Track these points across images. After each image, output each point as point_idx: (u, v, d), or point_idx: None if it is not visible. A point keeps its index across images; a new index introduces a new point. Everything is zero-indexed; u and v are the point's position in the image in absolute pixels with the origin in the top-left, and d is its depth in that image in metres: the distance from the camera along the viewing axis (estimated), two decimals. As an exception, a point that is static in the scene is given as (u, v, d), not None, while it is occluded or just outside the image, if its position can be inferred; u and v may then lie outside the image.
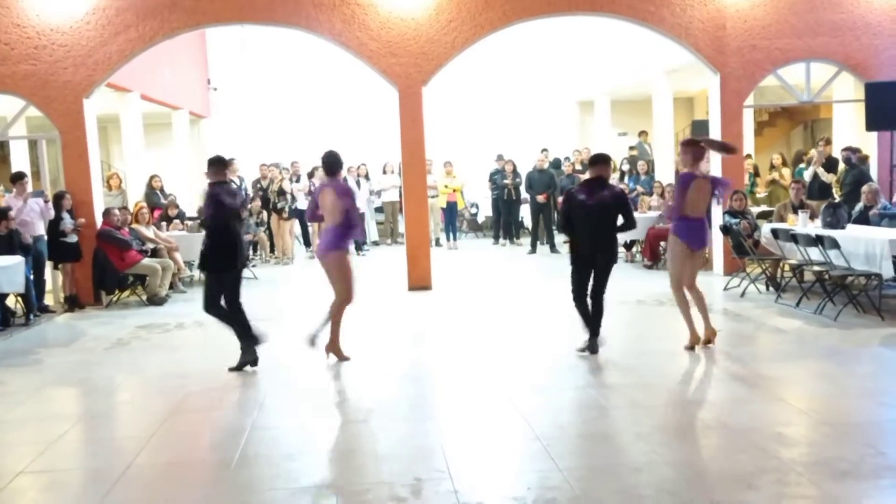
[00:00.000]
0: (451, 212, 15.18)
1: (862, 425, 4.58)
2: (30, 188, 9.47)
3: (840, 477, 3.84)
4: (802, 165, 12.56)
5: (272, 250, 13.75)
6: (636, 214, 7.44)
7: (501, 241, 15.26)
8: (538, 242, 13.90)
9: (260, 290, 10.45)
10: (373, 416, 5.17)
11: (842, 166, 11.13)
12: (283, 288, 11.04)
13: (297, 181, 14.24)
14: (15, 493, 4.11)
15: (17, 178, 9.44)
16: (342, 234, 6.29)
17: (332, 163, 6.42)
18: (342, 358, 6.45)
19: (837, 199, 10.35)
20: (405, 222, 10.50)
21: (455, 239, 15.24)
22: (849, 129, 13.11)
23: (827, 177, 11.11)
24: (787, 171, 13.01)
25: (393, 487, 3.90)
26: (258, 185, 13.72)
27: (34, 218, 9.19)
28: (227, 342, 7.21)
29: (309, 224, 14.55)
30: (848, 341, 6.63)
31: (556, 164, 15.11)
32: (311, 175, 13.94)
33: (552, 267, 12.07)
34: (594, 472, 4.00)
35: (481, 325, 7.94)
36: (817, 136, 17.30)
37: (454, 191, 15.17)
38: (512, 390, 5.56)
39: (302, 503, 3.80)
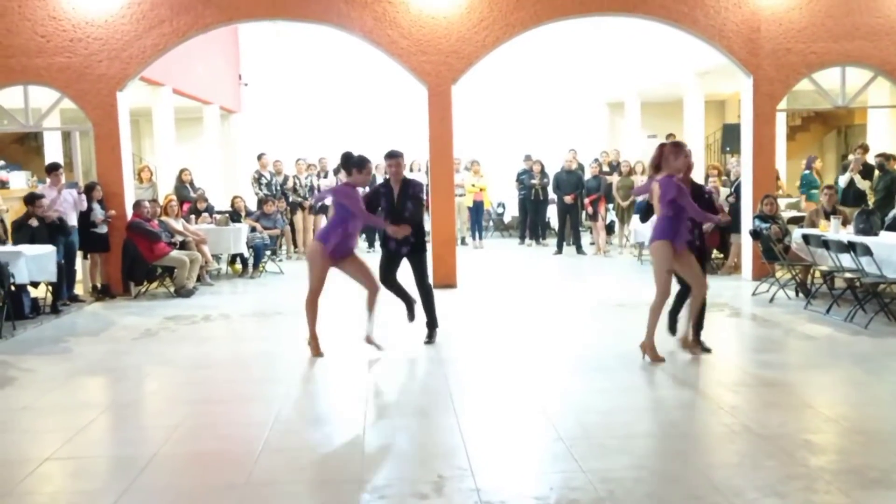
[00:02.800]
0: (477, 211, 15.17)
1: (892, 433, 4.50)
2: (63, 179, 9.62)
3: (869, 485, 3.78)
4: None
5: (295, 245, 13.79)
6: None
7: (527, 241, 15.22)
8: (564, 243, 13.84)
9: (290, 284, 10.49)
10: (396, 413, 5.19)
11: (877, 173, 10.97)
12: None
13: (325, 177, 14.29)
14: (42, 478, 4.16)
15: (53, 168, 9.60)
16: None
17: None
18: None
19: (871, 205, 10.18)
20: (431, 220, 10.51)
21: (481, 238, 15.23)
22: (883, 135, 12.92)
23: (863, 183, 10.95)
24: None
25: (415, 484, 3.90)
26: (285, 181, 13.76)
27: (67, 209, 9.33)
28: (253, 335, 7.27)
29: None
30: (879, 349, 6.52)
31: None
32: (337, 171, 13.98)
33: (578, 268, 12.02)
34: (618, 475, 3.97)
35: (506, 324, 7.92)
36: (851, 141, 17.07)
37: (481, 190, 15.16)
38: (536, 390, 5.54)
39: (324, 497, 3.82)
